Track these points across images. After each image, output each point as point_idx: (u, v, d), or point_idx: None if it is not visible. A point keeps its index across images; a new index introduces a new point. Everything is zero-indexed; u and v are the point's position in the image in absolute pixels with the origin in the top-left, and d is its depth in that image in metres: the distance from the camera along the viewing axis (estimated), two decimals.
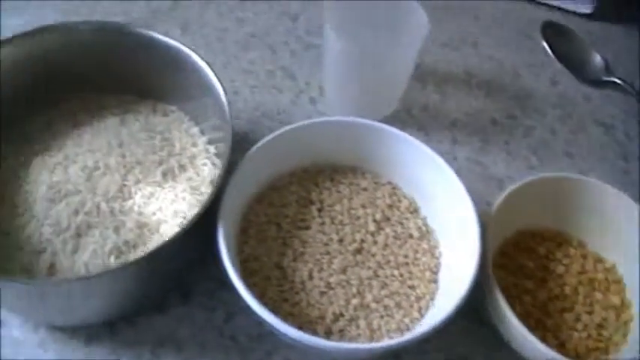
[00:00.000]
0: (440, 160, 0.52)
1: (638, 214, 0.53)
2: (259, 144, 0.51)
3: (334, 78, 0.61)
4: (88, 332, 0.50)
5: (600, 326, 0.53)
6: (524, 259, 0.54)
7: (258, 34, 0.69)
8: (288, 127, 0.53)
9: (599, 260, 0.56)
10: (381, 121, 0.60)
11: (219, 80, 0.53)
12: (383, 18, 0.60)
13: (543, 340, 0.51)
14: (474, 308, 0.50)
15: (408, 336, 0.44)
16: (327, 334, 0.48)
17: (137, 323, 0.50)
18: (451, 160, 0.61)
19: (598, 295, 0.54)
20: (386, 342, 0.46)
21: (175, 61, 0.56)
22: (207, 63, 0.54)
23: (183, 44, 0.55)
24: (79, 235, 0.50)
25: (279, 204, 0.53)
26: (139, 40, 0.57)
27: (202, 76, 0.54)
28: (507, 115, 0.65)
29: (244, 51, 0.67)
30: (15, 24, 0.66)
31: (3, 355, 0.49)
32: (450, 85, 0.66)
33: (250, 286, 0.47)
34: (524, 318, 0.52)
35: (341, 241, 0.51)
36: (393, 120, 0.62)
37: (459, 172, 0.59)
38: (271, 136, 0.52)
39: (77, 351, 0.49)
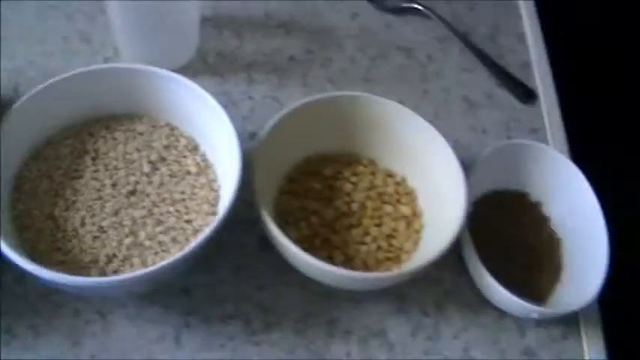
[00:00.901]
0: (208, 97, 0.52)
1: (425, 129, 0.54)
2: (25, 97, 0.50)
3: (120, 33, 0.61)
4: None
5: (390, 237, 0.53)
6: (311, 182, 0.55)
7: (54, 4, 0.67)
8: (56, 78, 0.52)
9: (389, 175, 0.56)
10: (176, 70, 0.60)
11: None
12: None
13: (330, 257, 0.51)
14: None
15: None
16: (102, 276, 0.47)
17: None
18: (246, 99, 0.61)
19: (387, 208, 0.54)
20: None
21: None
22: None
23: None
24: None
25: (53, 157, 0.52)
26: None
27: None
28: (306, 51, 0.65)
29: (40, 20, 0.66)
30: None
31: None
32: (248, 29, 0.66)
33: (24, 241, 0.47)
34: (311, 239, 0.52)
35: (114, 185, 0.51)
36: (188, 69, 0.62)
37: (254, 110, 0.59)
38: (38, 88, 0.51)
39: None
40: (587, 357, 0.53)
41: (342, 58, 0.65)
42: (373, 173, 0.56)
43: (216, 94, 0.59)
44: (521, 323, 0.53)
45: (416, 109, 0.55)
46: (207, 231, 0.45)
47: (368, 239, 0.52)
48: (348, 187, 0.55)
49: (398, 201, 0.55)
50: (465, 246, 0.52)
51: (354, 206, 0.54)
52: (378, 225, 0.53)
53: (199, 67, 0.63)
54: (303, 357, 0.49)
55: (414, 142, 0.55)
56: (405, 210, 0.54)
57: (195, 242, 0.44)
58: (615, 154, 0.65)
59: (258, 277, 0.52)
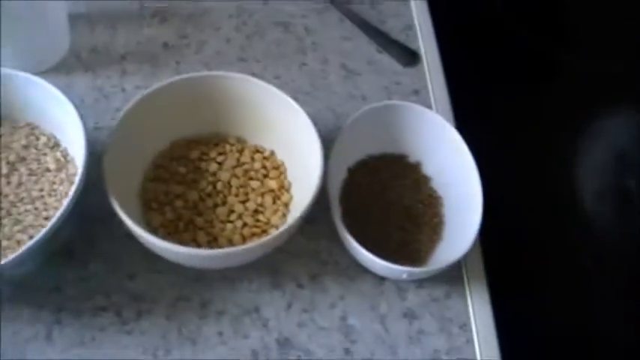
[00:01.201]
0: (58, 94, 0.51)
1: (284, 102, 0.53)
2: None
3: None
4: None
5: (257, 212, 0.53)
6: (177, 167, 0.54)
7: None
8: None
9: (258, 151, 0.56)
10: (49, 70, 0.60)
11: None
12: None
13: (194, 239, 0.51)
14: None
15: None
16: None
17: None
18: (119, 91, 0.61)
19: (254, 184, 0.54)
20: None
21: None
22: None
23: None
24: None
25: None
26: None
27: None
28: (180, 37, 0.65)
29: None
30: None
31: None
32: (122, 21, 0.66)
33: None
34: (175, 223, 0.52)
35: None
36: (61, 67, 0.61)
37: (127, 101, 0.59)
38: None
39: None
40: (471, 312, 0.52)
41: (217, 39, 0.65)
42: (240, 151, 0.55)
43: (88, 90, 0.60)
44: (402, 286, 0.53)
45: (292, 82, 0.55)
46: (48, 225, 0.45)
47: (233, 217, 0.52)
48: (213, 167, 0.54)
49: (265, 176, 0.54)
50: (334, 213, 0.52)
51: (219, 185, 0.53)
52: (244, 201, 0.53)
53: (73, 65, 0.62)
54: (175, 341, 0.49)
55: (276, 116, 0.54)
56: (271, 184, 0.54)
57: (33, 240, 0.44)
58: (496, 113, 0.64)
59: (129, 267, 0.52)
